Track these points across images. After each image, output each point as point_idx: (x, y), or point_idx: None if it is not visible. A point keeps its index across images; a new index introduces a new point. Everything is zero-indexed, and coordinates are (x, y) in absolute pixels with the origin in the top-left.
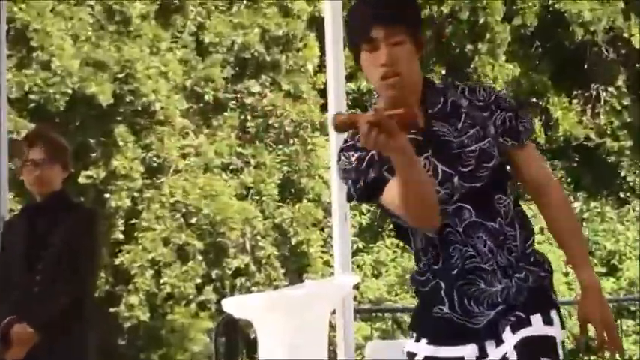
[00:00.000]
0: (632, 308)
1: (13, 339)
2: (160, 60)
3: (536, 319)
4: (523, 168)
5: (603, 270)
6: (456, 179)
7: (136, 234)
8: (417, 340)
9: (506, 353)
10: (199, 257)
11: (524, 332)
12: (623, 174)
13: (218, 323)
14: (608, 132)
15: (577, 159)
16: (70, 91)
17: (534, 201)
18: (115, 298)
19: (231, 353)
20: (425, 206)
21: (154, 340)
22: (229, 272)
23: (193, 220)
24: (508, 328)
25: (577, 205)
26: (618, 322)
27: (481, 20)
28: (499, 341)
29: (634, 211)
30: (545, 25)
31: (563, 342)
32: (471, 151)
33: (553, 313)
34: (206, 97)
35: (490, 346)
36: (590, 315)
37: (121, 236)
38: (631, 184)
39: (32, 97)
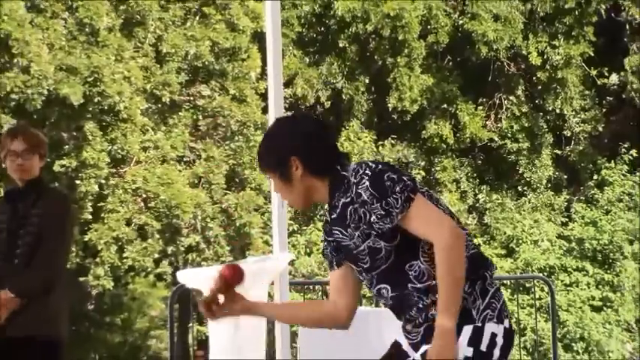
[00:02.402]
0: (527, 285)
1: None
2: (123, 66)
3: None
4: (412, 230)
5: (503, 252)
6: (363, 274)
7: (102, 215)
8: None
9: None
10: (157, 236)
11: None
12: (521, 171)
13: (173, 292)
14: (509, 135)
15: (482, 158)
16: (45, 92)
17: None
18: (84, 270)
19: (183, 318)
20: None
21: (118, 306)
22: (182, 249)
23: (152, 204)
24: None
25: (481, 197)
26: (515, 296)
27: (400, 37)
28: None
29: (529, 202)
30: (456, 42)
31: None
32: (362, 251)
33: None
34: (163, 99)
35: None
36: (430, 355)
37: (90, 217)
38: (527, 179)
39: (13, 96)
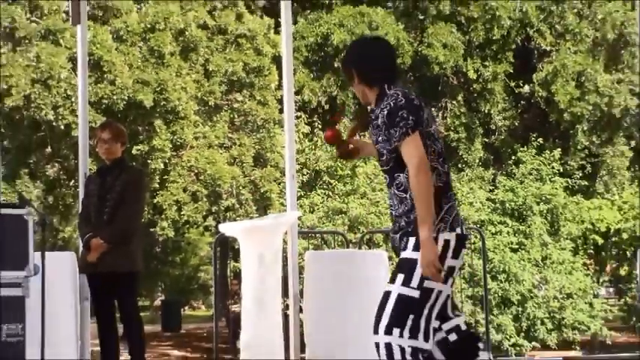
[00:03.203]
0: (465, 233)
1: (91, 248)
2: (182, 80)
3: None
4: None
5: None
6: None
7: (166, 184)
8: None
9: None
10: (205, 199)
11: None
12: (460, 153)
13: (216, 239)
14: (452, 128)
15: None
16: (126, 98)
17: None
18: (154, 223)
19: (223, 257)
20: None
21: (177, 249)
22: (223, 208)
23: (201, 177)
24: None
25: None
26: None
27: None
28: None
29: (467, 175)
30: (416, 63)
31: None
32: (377, 149)
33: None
34: (210, 103)
35: None
36: (420, 262)
37: (157, 186)
38: (465, 159)
39: (104, 101)
